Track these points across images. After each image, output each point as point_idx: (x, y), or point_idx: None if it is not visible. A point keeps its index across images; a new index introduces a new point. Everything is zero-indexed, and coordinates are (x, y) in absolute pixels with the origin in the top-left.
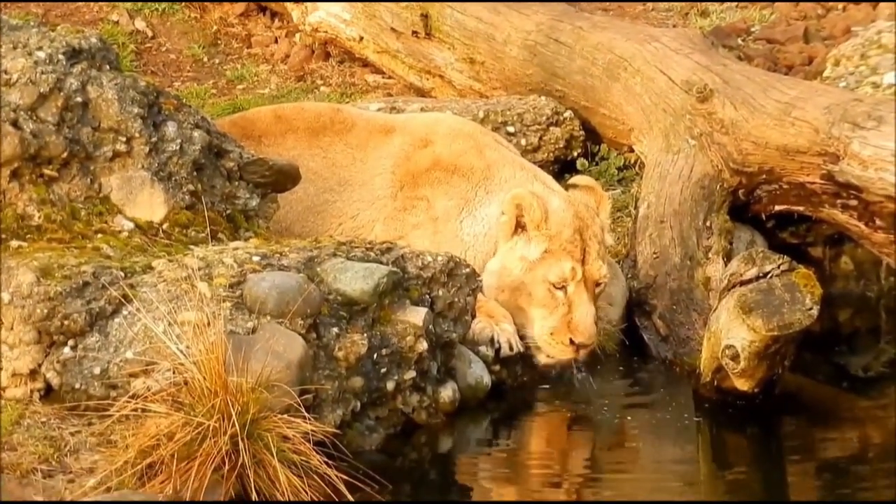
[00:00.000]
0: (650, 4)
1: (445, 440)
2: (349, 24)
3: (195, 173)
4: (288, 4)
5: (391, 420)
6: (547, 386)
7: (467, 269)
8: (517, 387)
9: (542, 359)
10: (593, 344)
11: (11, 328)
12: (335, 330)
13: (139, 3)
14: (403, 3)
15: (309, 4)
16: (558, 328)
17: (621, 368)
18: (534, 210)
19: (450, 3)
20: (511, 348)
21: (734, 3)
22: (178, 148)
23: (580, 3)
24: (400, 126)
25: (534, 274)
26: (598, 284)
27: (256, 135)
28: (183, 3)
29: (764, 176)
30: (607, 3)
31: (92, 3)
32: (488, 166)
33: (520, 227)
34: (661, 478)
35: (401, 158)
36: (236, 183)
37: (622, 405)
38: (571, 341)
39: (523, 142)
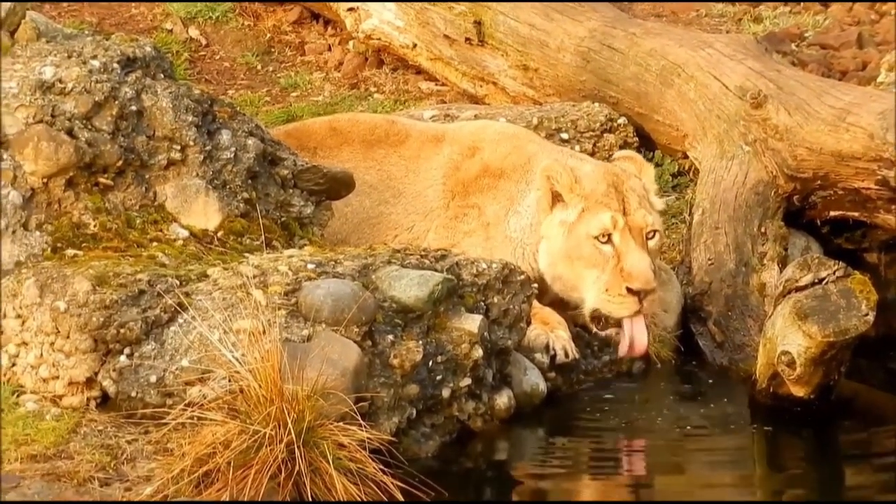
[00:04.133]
0: (703, 10)
1: (501, 447)
2: (402, 31)
3: (249, 181)
4: (342, 12)
5: (447, 427)
6: (610, 395)
7: (522, 276)
8: (573, 393)
9: (597, 322)
10: (653, 290)
11: (68, 337)
12: (390, 337)
13: (193, 11)
14: (457, 11)
15: (362, 12)
16: (611, 281)
17: (677, 375)
18: (562, 175)
19: (503, 10)
20: (567, 355)
21: (787, 9)
22: (232, 156)
23: (633, 1)
24: (449, 135)
25: (577, 234)
26: (648, 236)
27: (311, 146)
28: (237, 12)
29: (818, 182)
30: (661, 6)
31: (146, 12)
32: (528, 160)
33: (556, 199)
34: (716, 484)
35: (450, 168)
36: (290, 191)
37: (677, 411)
38: (629, 290)
39: (577, 148)
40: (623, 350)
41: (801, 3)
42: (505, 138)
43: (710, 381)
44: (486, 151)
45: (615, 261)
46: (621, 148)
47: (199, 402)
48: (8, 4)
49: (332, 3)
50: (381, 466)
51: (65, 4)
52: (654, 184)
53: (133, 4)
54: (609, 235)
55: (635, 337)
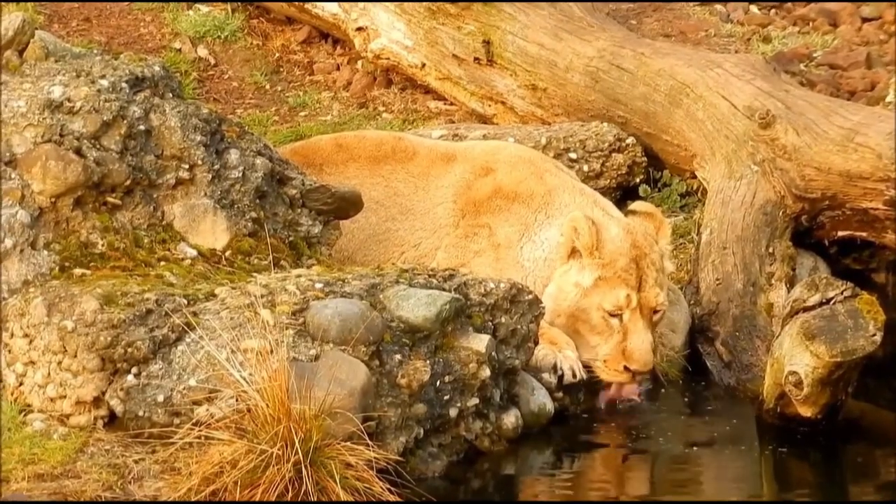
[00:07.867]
0: (712, 30)
1: (508, 467)
2: (411, 50)
3: (258, 200)
4: (350, 32)
5: (454, 447)
6: (617, 415)
7: (530, 296)
8: (580, 413)
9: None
10: (648, 372)
11: (75, 356)
12: (398, 357)
13: (202, 31)
14: (466, 30)
15: (371, 31)
16: (612, 356)
17: (684, 395)
18: (586, 235)
19: (512, 30)
20: (574, 375)
21: (796, 29)
22: (240, 175)
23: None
24: (461, 154)
25: (589, 300)
26: (655, 312)
27: (318, 163)
28: (245, 32)
29: (827, 202)
30: (669, 25)
31: (155, 31)
32: (549, 191)
33: (575, 251)
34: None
35: (462, 187)
36: (299, 210)
37: (684, 432)
38: (626, 368)
39: (585, 168)
40: (604, 399)
41: (811, 24)
42: (522, 162)
43: (718, 400)
44: (499, 173)
45: (620, 336)
46: (629, 168)
47: (206, 421)
48: (16, 23)
49: (340, 23)
50: (388, 486)
51: (73, 24)
52: (669, 245)
53: (142, 24)
54: (620, 313)
55: (623, 393)
